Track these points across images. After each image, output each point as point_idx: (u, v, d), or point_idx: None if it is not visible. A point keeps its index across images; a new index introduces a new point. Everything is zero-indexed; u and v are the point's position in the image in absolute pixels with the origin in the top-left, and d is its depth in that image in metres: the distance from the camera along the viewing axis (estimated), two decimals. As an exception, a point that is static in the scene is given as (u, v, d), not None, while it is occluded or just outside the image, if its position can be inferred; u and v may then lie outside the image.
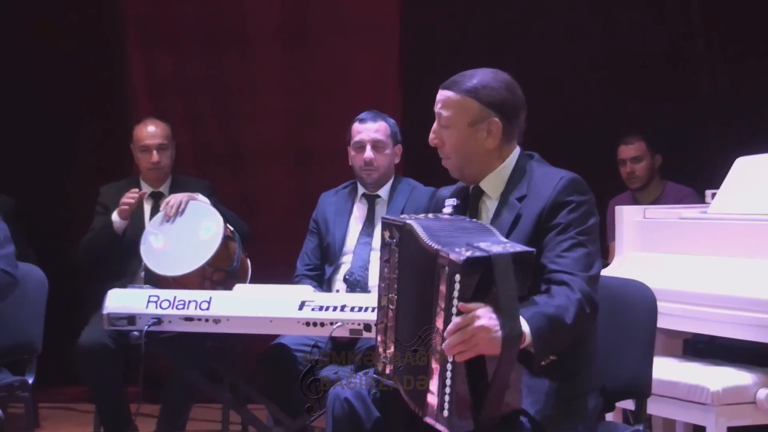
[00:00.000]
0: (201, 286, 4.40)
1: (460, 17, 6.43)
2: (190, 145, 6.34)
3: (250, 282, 4.68)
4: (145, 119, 5.59)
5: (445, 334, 2.74)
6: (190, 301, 3.91)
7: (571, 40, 6.29)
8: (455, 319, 2.73)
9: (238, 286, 4.11)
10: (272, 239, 5.67)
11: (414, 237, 2.93)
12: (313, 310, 3.85)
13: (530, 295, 2.88)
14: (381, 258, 3.11)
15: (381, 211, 4.80)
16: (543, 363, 2.87)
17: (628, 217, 4.75)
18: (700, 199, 5.15)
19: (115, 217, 5.16)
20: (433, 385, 2.80)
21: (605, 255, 5.54)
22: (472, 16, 6.40)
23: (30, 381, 4.22)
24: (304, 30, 6.65)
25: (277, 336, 4.42)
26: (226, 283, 4.24)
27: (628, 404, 3.48)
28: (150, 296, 3.95)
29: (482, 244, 2.80)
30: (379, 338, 3.12)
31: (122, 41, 6.70)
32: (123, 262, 5.22)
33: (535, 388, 2.93)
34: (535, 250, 2.91)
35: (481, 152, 3.16)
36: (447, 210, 3.22)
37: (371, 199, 4.86)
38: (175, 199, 4.87)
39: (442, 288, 2.78)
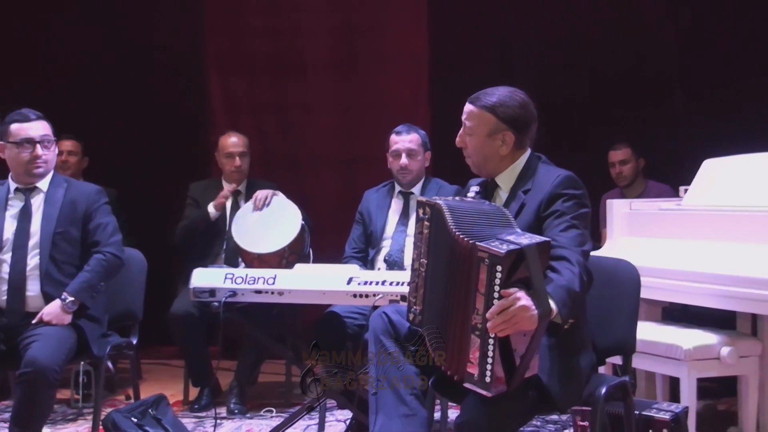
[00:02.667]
0: (278, 265, 4.44)
1: (478, 48, 6.43)
2: (259, 154, 6.34)
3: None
4: (228, 132, 5.63)
5: (488, 315, 2.71)
6: (259, 278, 3.91)
7: (572, 65, 6.30)
8: (499, 302, 2.71)
9: (297, 265, 4.13)
10: (325, 228, 5.67)
11: (442, 216, 2.94)
12: (359, 284, 3.85)
13: None
14: (415, 230, 3.11)
15: (414, 205, 4.78)
16: (566, 325, 2.90)
17: (617, 209, 4.76)
18: (676, 194, 5.14)
19: (211, 208, 5.26)
20: (474, 357, 2.77)
21: (598, 239, 5.52)
22: (488, 48, 6.41)
23: (134, 342, 4.24)
24: (351, 60, 6.66)
25: (329, 305, 4.42)
26: (293, 265, 4.26)
27: (617, 360, 3.47)
28: (227, 274, 3.96)
29: (510, 238, 2.81)
30: (410, 294, 3.11)
31: (204, 70, 6.74)
32: (207, 246, 5.27)
33: (540, 350, 2.91)
34: (551, 240, 2.92)
35: (496, 156, 3.18)
36: (470, 194, 3.24)
37: (406, 196, 4.86)
38: (262, 193, 4.98)
39: (482, 276, 2.75)
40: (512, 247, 2.74)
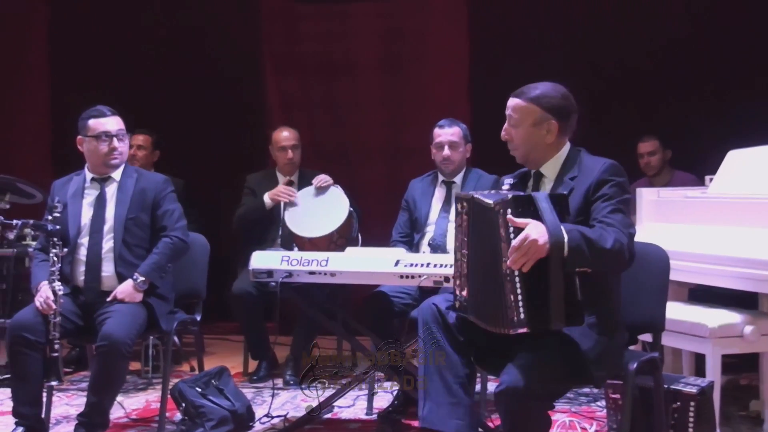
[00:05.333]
0: (327, 248, 4.43)
1: (515, 48, 6.37)
2: (311, 147, 6.36)
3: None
4: (281, 127, 5.63)
5: (508, 252, 2.76)
6: (312, 260, 3.89)
7: (603, 60, 6.24)
8: (514, 241, 2.75)
9: (348, 249, 4.11)
10: (373, 215, 5.66)
11: (476, 203, 2.94)
12: (405, 266, 3.81)
13: None
14: (455, 224, 3.11)
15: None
16: (577, 270, 2.82)
17: (646, 197, 4.70)
18: (701, 183, 5.06)
19: (267, 199, 5.26)
20: (509, 299, 2.80)
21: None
22: (524, 47, 6.35)
23: (198, 318, 4.24)
24: (397, 60, 6.66)
25: (377, 285, 4.40)
26: (343, 248, 4.24)
27: (647, 337, 3.43)
28: (283, 256, 3.95)
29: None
30: (455, 283, 3.12)
31: (261, 71, 6.77)
32: (265, 232, 5.29)
33: (581, 329, 2.91)
34: (568, 193, 2.97)
35: (542, 145, 3.13)
36: (505, 187, 3.20)
37: (448, 185, 4.82)
38: (325, 176, 5.08)
39: (502, 230, 2.81)
40: (520, 194, 2.84)
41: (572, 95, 3.16)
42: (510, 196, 2.84)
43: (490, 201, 2.86)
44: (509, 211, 2.80)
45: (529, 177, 3.21)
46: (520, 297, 2.78)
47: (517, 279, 2.78)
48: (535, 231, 2.76)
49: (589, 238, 2.82)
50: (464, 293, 3.05)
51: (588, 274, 2.86)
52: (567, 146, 3.17)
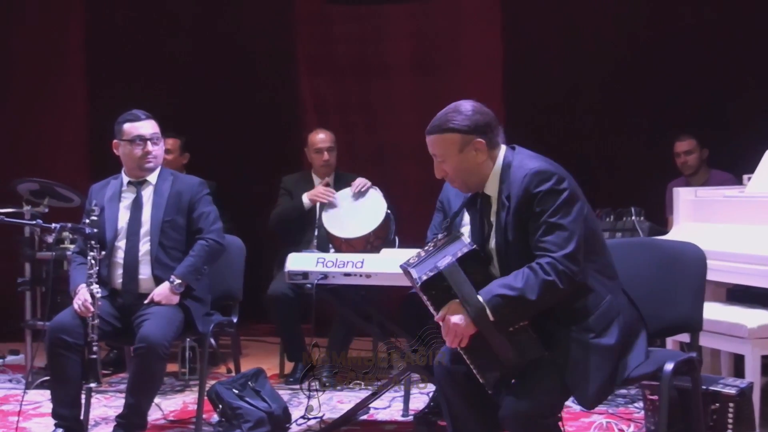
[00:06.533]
0: (364, 249, 4.44)
1: (548, 51, 6.36)
2: (346, 149, 6.35)
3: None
4: (316, 128, 5.64)
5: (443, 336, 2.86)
6: (348, 261, 3.89)
7: (640, 63, 6.20)
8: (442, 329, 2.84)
9: (383, 250, 4.11)
10: (408, 216, 5.65)
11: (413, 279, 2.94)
12: (440, 267, 3.81)
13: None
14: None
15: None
16: (511, 329, 2.80)
17: (683, 197, 4.66)
18: (738, 182, 5.00)
19: (305, 200, 5.28)
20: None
21: (664, 225, 5.41)
22: (557, 50, 6.33)
23: (234, 320, 4.26)
24: (430, 62, 6.66)
25: (412, 287, 4.39)
26: (379, 249, 4.24)
27: (684, 338, 3.39)
28: (318, 258, 3.95)
29: (440, 261, 2.84)
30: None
31: (296, 73, 6.78)
32: (301, 234, 5.30)
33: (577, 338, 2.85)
34: (476, 246, 2.90)
35: (475, 167, 2.92)
36: (430, 244, 3.04)
37: (482, 186, 4.80)
38: (363, 180, 5.11)
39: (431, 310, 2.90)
40: (430, 273, 2.82)
41: (484, 105, 2.98)
42: (422, 280, 2.83)
43: (415, 284, 2.90)
44: (425, 298, 2.86)
45: (478, 198, 3.04)
46: (473, 367, 2.86)
47: (464, 354, 2.86)
48: (454, 315, 2.80)
49: (510, 296, 2.74)
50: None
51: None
52: (502, 152, 2.95)
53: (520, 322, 2.80)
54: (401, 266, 3.00)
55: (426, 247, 3.00)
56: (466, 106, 2.96)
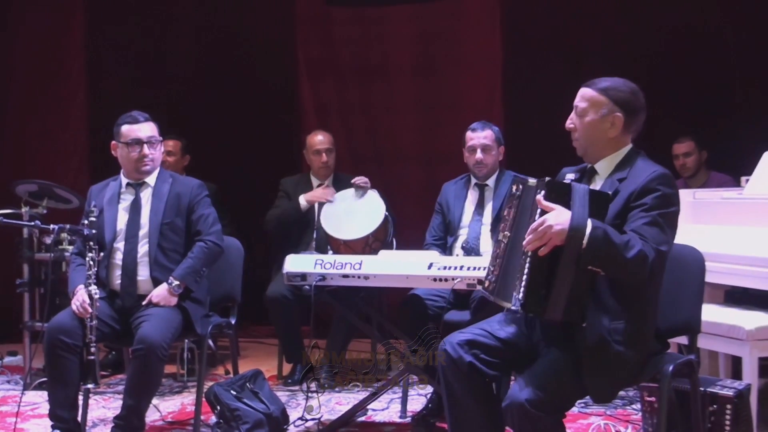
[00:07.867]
0: (363, 251, 4.44)
1: (548, 52, 6.36)
2: (346, 151, 6.37)
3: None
4: (315, 130, 5.64)
5: (526, 233, 2.79)
6: (346, 263, 3.90)
7: (637, 64, 6.15)
8: (533, 224, 2.77)
9: (382, 252, 4.11)
10: (407, 218, 5.66)
11: (524, 182, 2.96)
12: (438, 269, 3.81)
13: None
14: (506, 204, 3.11)
15: (489, 196, 4.75)
16: (589, 267, 2.78)
17: (682, 198, 4.52)
18: (737, 184, 5.01)
19: (302, 201, 5.28)
20: (520, 278, 2.82)
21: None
22: (557, 52, 6.33)
23: (233, 322, 4.26)
24: (431, 64, 6.66)
25: (411, 288, 4.40)
26: (378, 251, 4.24)
27: (683, 340, 3.39)
28: (317, 260, 3.95)
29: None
30: (491, 262, 3.10)
31: (295, 75, 6.79)
32: (299, 236, 5.30)
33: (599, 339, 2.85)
34: (611, 194, 2.91)
35: (603, 139, 3.06)
36: (567, 177, 3.15)
37: (481, 188, 4.80)
38: (364, 180, 5.10)
39: (533, 210, 2.84)
40: (562, 181, 2.83)
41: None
42: (551, 179, 2.84)
43: (533, 181, 2.90)
44: (543, 193, 2.81)
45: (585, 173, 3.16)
46: (525, 278, 2.79)
47: (528, 260, 2.78)
48: (555, 217, 2.76)
49: (613, 241, 2.77)
50: (495, 273, 3.04)
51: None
52: (627, 147, 3.08)
53: (599, 268, 2.80)
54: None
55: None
56: (630, 84, 3.08)
